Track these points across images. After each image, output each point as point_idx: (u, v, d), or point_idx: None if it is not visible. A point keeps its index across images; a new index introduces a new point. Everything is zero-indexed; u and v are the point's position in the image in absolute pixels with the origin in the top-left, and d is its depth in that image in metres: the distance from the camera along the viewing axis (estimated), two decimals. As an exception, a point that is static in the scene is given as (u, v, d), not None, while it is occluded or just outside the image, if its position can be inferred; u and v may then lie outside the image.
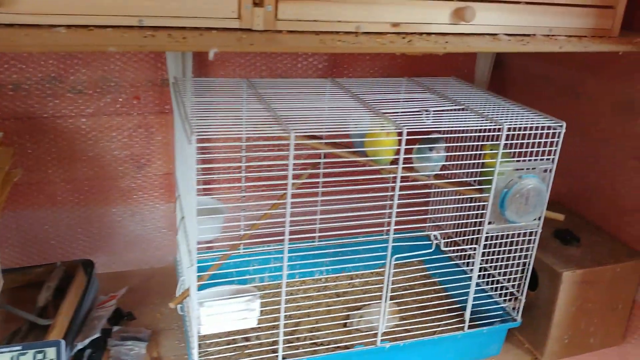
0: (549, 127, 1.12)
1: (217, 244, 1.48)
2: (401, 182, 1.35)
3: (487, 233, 1.15)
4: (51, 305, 1.29)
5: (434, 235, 1.14)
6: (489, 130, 1.11)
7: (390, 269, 1.13)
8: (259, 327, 1.22)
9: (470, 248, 1.32)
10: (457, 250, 1.46)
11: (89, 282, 1.34)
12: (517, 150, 1.13)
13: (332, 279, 1.55)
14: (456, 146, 1.33)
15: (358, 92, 1.25)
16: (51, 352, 1.07)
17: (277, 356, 1.11)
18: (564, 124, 1.11)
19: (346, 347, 1.24)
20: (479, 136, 1.23)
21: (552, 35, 1.12)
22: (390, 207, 1.14)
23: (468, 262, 1.42)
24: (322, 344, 1.26)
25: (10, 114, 1.38)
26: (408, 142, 1.05)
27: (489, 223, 1.15)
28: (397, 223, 1.17)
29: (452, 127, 1.07)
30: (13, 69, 1.35)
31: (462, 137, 1.35)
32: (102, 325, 1.26)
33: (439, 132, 1.15)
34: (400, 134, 1.13)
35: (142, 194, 1.54)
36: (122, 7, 0.87)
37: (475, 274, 1.19)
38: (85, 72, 1.40)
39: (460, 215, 1.36)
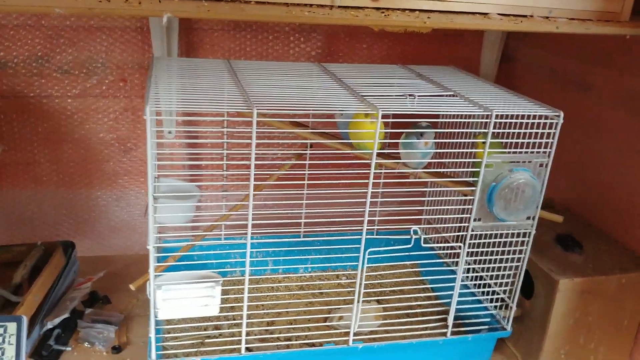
0: (545, 117, 1.02)
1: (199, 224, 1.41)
2: (388, 174, 1.29)
3: (473, 231, 1.06)
4: (26, 284, 1.26)
5: (414, 230, 1.05)
6: (480, 118, 1.01)
7: (363, 265, 1.04)
8: (229, 317, 1.16)
9: (459, 247, 1.23)
10: (447, 249, 1.36)
11: (67, 264, 1.31)
12: (510, 140, 1.04)
13: (316, 275, 1.47)
14: (446, 135, 1.25)
15: (343, 76, 1.17)
16: (12, 327, 1.05)
17: (239, 347, 1.03)
18: (562, 114, 1.01)
19: (320, 345, 1.16)
20: (471, 125, 1.15)
21: (552, 17, 1.03)
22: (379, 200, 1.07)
23: (458, 263, 1.33)
24: (296, 339, 1.19)
25: (-4, 91, 1.36)
26: (394, 128, 0.98)
27: (476, 220, 1.05)
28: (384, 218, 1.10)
29: (436, 111, 0.98)
30: (0, 46, 1.33)
31: (453, 124, 1.27)
32: (74, 306, 1.24)
33: (426, 119, 1.06)
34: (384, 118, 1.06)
35: (128, 178, 1.50)
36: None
37: (460, 275, 1.09)
38: (71, 52, 1.37)
39: (450, 210, 1.25)
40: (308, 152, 1.29)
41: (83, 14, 1.29)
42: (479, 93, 1.11)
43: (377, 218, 1.42)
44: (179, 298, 0.98)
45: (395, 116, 1.05)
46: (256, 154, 0.92)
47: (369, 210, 1.02)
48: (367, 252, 1.04)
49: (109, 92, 1.42)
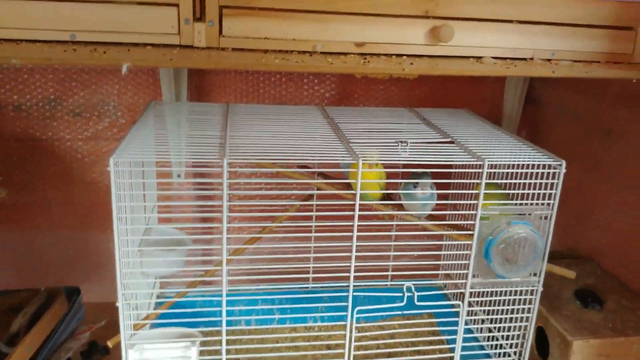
0: (546, 167, 0.94)
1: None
2: (392, 224, 1.23)
3: (472, 288, 0.99)
4: (23, 332, 1.25)
5: (407, 287, 0.99)
6: (474, 168, 0.95)
7: (352, 323, 0.99)
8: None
9: (475, 302, 1.15)
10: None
11: (69, 310, 1.30)
12: (511, 191, 0.97)
13: (326, 327, 1.41)
14: (453, 184, 1.19)
15: (342, 121, 1.13)
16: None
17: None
18: (564, 163, 0.93)
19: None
20: (475, 175, 1.08)
21: (554, 60, 0.96)
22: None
23: (475, 320, 1.24)
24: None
25: (10, 134, 1.39)
26: (393, 177, 0.93)
27: (474, 276, 0.98)
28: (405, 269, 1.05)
29: (424, 161, 0.93)
30: (14, 89, 1.37)
31: (460, 174, 1.21)
32: (68, 356, 1.21)
33: (419, 168, 1.01)
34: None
35: (138, 221, 1.50)
36: (54, 21, 0.84)
37: (460, 335, 1.02)
38: (83, 94, 1.40)
39: (459, 264, 1.19)
40: (314, 201, 1.25)
41: (39, 64, 1.31)
42: (481, 139, 1.05)
43: (390, 273, 1.37)
44: (153, 359, 0.94)
45: (390, 165, 1.00)
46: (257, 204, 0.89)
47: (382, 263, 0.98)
48: (355, 311, 0.98)
49: (121, 135, 1.44)
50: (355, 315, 0.99)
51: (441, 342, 1.35)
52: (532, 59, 0.96)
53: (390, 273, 1.39)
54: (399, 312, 1.35)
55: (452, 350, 1.29)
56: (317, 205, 1.23)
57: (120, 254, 0.90)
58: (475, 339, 1.21)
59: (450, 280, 1.38)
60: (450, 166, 1.21)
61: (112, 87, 1.40)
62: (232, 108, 1.18)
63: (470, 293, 1.01)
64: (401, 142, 1.00)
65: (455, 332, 1.11)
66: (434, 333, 1.39)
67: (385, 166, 1.03)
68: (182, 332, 0.98)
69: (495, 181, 1.02)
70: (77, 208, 1.47)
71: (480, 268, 0.97)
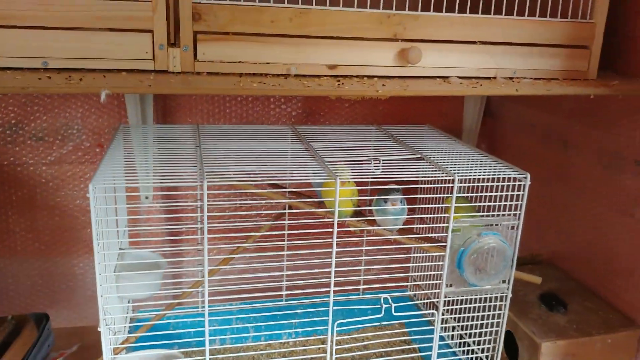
0: (512, 179, 0.99)
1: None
2: (367, 237, 1.26)
3: (445, 297, 1.02)
4: (-6, 362, 1.22)
5: (384, 299, 1.01)
6: (445, 182, 0.99)
7: (332, 336, 1.01)
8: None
9: (446, 310, 1.19)
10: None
11: (39, 337, 1.27)
12: (479, 204, 1.01)
13: (301, 342, 1.42)
14: (421, 199, 1.24)
15: (314, 140, 1.16)
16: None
17: None
18: (528, 175, 0.98)
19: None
20: (443, 189, 1.12)
21: (516, 78, 1.02)
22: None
23: (446, 327, 1.28)
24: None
25: (-29, 161, 1.36)
26: (362, 193, 0.96)
27: (448, 286, 1.02)
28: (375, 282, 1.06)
29: (397, 177, 0.96)
30: (-26, 115, 1.34)
31: (428, 189, 1.26)
32: (41, 384, 1.19)
33: (391, 184, 1.05)
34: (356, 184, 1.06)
35: (105, 245, 1.48)
36: (24, 48, 0.83)
37: (436, 343, 1.05)
38: (46, 118, 1.37)
39: (432, 275, 1.23)
40: (286, 219, 1.27)
41: (16, 92, 1.29)
42: (447, 155, 1.09)
43: (361, 286, 1.39)
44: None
45: (362, 183, 1.03)
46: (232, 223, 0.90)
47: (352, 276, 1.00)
48: (335, 325, 1.00)
49: (85, 158, 1.42)
50: (335, 328, 1.01)
51: (414, 350, 1.38)
52: (495, 77, 1.01)
53: (361, 286, 1.42)
54: (371, 324, 1.39)
55: (424, 358, 1.33)
56: (289, 222, 1.25)
57: (101, 279, 0.89)
58: (448, 346, 1.26)
59: (421, 291, 1.42)
60: (417, 182, 1.25)
61: (76, 111, 1.39)
62: (202, 129, 1.19)
63: (443, 302, 1.05)
64: (374, 159, 1.03)
65: (427, 340, 1.14)
66: (406, 342, 1.42)
67: (358, 183, 1.06)
68: (163, 353, 0.98)
69: (464, 195, 1.07)
70: (42, 233, 1.44)
71: (453, 278, 1.01)
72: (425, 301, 1.41)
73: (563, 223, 1.35)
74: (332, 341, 1.02)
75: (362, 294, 1.48)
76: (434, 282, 1.07)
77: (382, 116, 1.57)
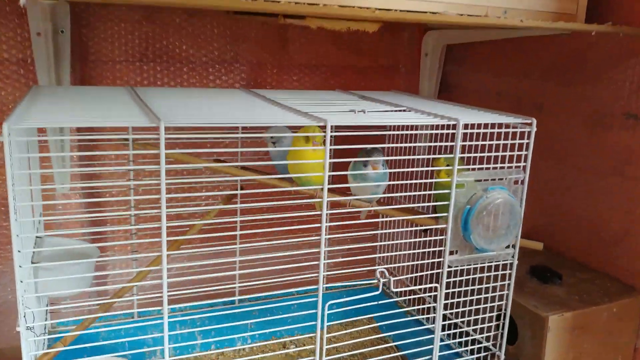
0: (515, 127, 0.87)
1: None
2: (335, 211, 1.10)
3: (449, 266, 0.87)
4: None
5: (380, 272, 0.85)
6: (442, 139, 0.84)
7: (323, 332, 0.82)
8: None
9: (430, 297, 1.03)
10: (415, 300, 1.16)
11: None
12: (479, 154, 0.87)
13: (259, 348, 1.22)
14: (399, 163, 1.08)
15: (278, 98, 0.98)
16: None
17: None
18: (534, 121, 0.87)
19: None
20: (425, 150, 0.97)
21: (506, 18, 0.91)
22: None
23: (429, 316, 1.13)
24: None
25: None
26: (340, 156, 0.80)
27: (452, 253, 0.87)
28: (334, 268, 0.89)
29: (395, 124, 0.81)
30: None
31: (404, 150, 1.11)
32: None
33: (380, 140, 0.89)
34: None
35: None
36: None
37: (439, 324, 0.90)
38: None
39: (413, 254, 1.07)
40: (238, 194, 1.07)
41: None
42: (434, 108, 0.95)
43: (324, 273, 1.21)
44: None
45: (340, 141, 0.86)
46: (173, 206, 0.70)
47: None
48: (325, 307, 0.82)
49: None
50: (325, 323, 0.82)
51: (391, 348, 1.22)
52: (486, 15, 0.89)
53: (325, 273, 1.24)
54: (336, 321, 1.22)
55: (398, 348, 1.17)
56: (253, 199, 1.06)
57: (20, 274, 0.66)
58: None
59: (394, 277, 1.26)
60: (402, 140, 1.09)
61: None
62: (140, 91, 0.98)
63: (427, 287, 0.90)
64: (360, 110, 0.87)
65: (402, 333, 0.97)
66: (378, 335, 1.26)
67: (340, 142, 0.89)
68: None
69: (451, 155, 0.93)
70: None
71: (457, 243, 0.87)
72: (401, 289, 1.25)
73: (544, 195, 1.26)
74: (321, 339, 0.83)
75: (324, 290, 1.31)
76: (406, 263, 0.91)
77: (332, 89, 1.42)
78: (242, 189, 1.10)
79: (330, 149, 0.78)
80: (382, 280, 0.83)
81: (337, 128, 0.78)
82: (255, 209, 1.13)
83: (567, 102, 1.17)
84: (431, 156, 0.92)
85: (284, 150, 0.97)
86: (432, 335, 0.91)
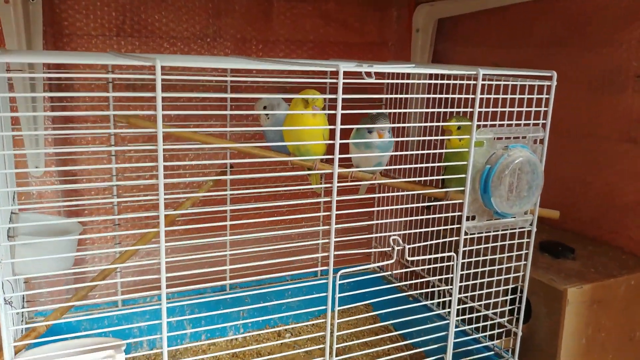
0: (533, 80, 0.81)
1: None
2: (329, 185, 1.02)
3: (466, 234, 0.81)
4: None
5: (393, 240, 0.77)
6: (465, 79, 0.77)
7: (334, 317, 0.75)
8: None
9: (439, 280, 0.96)
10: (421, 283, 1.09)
11: None
12: (499, 109, 0.81)
13: (252, 337, 1.13)
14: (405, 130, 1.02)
15: (273, 61, 0.91)
16: None
17: None
18: (555, 74, 0.81)
19: None
20: (428, 116, 0.91)
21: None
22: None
23: (431, 295, 1.06)
24: None
25: None
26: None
27: (469, 219, 0.80)
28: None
29: (416, 71, 0.74)
30: None
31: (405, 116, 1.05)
32: None
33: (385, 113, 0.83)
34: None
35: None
36: None
37: (455, 298, 0.83)
38: None
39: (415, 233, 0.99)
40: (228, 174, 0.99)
41: None
42: (442, 67, 0.89)
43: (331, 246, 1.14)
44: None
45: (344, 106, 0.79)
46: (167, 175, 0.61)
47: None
48: (337, 280, 0.74)
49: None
50: (337, 304, 0.74)
51: (397, 337, 1.14)
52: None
53: (319, 255, 1.16)
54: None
55: (404, 337, 1.10)
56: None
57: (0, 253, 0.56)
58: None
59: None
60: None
61: None
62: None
63: (433, 268, 0.82)
64: (365, 63, 0.80)
65: (404, 314, 0.90)
66: (375, 323, 1.18)
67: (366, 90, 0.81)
68: (94, 341, 0.66)
69: (463, 119, 0.87)
70: None
71: (475, 207, 0.80)
72: (400, 271, 1.19)
73: (549, 165, 1.20)
74: (332, 327, 0.75)
75: (320, 274, 1.23)
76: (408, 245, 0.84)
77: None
78: (232, 167, 1.02)
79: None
80: (396, 248, 0.76)
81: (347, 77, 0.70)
82: (246, 181, 1.06)
83: (571, 68, 1.12)
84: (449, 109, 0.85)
85: (279, 122, 0.90)
86: (446, 321, 0.85)
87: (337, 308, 0.74)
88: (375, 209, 1.15)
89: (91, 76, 0.90)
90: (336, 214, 0.71)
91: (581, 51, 1.10)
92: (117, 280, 0.95)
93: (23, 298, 0.85)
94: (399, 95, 0.91)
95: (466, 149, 0.77)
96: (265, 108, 0.97)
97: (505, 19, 1.26)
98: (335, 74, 0.87)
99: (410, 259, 0.76)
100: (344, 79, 0.69)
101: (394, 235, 0.78)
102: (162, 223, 0.61)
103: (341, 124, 0.70)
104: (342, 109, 0.69)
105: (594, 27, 1.08)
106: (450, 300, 0.84)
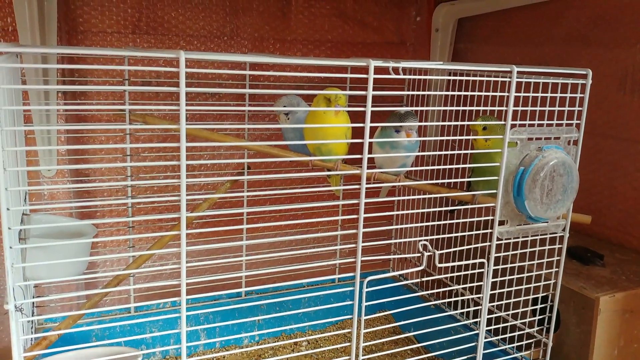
0: (567, 79, 0.78)
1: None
2: (349, 187, 0.99)
3: (498, 239, 0.77)
4: None
5: (423, 245, 0.74)
6: (498, 76, 0.75)
7: (360, 326, 0.71)
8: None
9: (464, 288, 0.92)
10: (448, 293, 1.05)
11: None
12: (528, 109, 0.77)
13: (268, 346, 1.10)
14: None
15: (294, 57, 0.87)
16: None
17: None
18: (590, 72, 0.78)
19: None
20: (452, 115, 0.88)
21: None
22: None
23: (454, 304, 1.02)
24: None
25: None
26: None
27: (501, 223, 0.77)
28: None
29: (451, 68, 0.71)
30: None
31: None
32: None
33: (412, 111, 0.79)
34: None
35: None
36: None
37: (485, 307, 0.79)
38: None
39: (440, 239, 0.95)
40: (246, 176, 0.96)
41: None
42: (472, 65, 0.86)
43: (338, 260, 1.10)
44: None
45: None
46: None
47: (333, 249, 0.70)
48: (364, 286, 0.70)
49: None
50: (363, 312, 0.71)
51: (420, 350, 1.10)
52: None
53: (337, 261, 1.12)
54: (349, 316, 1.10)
55: (428, 349, 1.06)
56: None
57: (12, 256, 0.53)
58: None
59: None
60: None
61: None
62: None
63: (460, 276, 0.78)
64: (392, 60, 0.77)
65: (427, 324, 0.86)
66: (396, 333, 1.14)
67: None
68: (110, 351, 0.62)
69: (488, 118, 0.83)
70: None
71: (507, 211, 0.76)
72: (419, 280, 1.15)
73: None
74: (359, 333, 0.71)
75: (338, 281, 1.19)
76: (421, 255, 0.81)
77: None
78: (248, 167, 0.99)
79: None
80: (426, 253, 0.72)
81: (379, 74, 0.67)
82: (261, 183, 1.02)
83: (598, 66, 1.09)
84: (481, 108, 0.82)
85: (299, 122, 0.86)
86: (474, 332, 0.81)
87: (363, 317, 0.70)
88: (396, 212, 1.12)
89: (108, 68, 0.88)
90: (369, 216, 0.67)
91: (608, 49, 1.07)
92: (131, 286, 0.91)
93: (33, 304, 0.82)
94: (429, 93, 0.87)
95: (497, 150, 0.74)
96: (285, 108, 0.94)
97: (527, 17, 1.23)
98: (355, 70, 0.83)
99: (440, 265, 0.72)
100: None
101: (421, 240, 0.74)
102: (184, 225, 0.58)
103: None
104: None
105: (620, 25, 1.04)
106: (477, 310, 0.81)
